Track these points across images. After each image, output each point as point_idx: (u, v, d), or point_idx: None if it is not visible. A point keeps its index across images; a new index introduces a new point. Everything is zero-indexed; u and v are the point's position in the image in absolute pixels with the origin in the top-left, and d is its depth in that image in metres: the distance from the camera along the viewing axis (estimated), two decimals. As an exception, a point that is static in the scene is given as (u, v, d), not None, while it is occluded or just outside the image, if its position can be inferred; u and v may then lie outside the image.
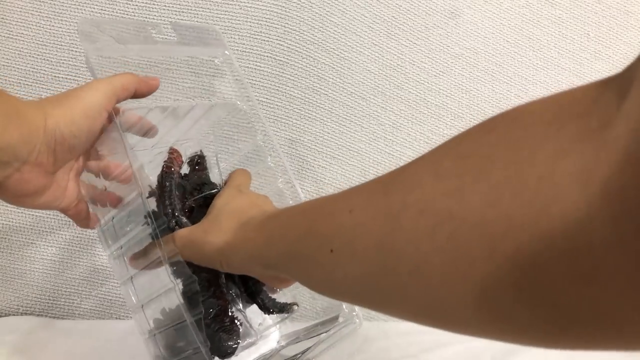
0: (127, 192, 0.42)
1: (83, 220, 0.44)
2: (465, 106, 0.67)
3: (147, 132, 0.46)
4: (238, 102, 0.56)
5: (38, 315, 0.62)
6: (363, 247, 0.25)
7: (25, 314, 0.62)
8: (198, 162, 0.49)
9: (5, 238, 0.62)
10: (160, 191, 0.44)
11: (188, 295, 0.40)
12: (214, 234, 0.39)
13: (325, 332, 0.49)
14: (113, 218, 0.43)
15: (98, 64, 0.43)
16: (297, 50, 0.65)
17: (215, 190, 0.46)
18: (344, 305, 0.53)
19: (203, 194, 0.45)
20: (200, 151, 0.50)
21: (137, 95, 0.42)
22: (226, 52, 0.56)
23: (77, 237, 0.63)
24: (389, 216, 0.24)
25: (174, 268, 0.40)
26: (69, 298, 0.63)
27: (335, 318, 0.52)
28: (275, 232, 0.34)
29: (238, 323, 0.43)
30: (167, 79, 0.60)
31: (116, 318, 0.63)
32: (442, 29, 0.68)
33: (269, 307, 0.46)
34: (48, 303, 0.63)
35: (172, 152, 0.46)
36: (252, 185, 0.50)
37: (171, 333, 0.40)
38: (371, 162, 0.66)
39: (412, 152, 0.66)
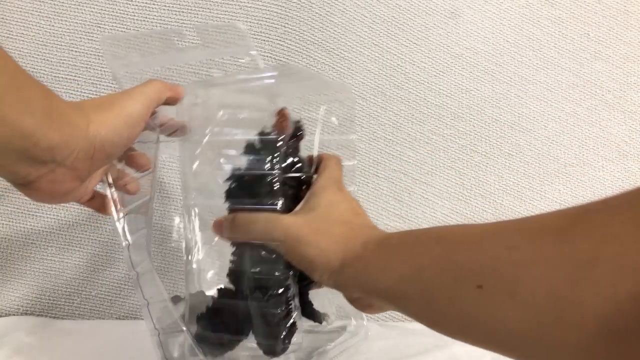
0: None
1: (98, 209, 0.43)
2: (465, 106, 0.67)
3: (179, 130, 0.45)
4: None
5: (38, 315, 0.62)
6: (530, 292, 0.23)
7: (25, 314, 0.62)
8: (298, 132, 0.43)
9: (6, 238, 0.62)
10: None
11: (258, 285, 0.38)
12: (324, 239, 0.35)
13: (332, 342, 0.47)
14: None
15: (125, 80, 0.42)
16: (297, 50, 0.65)
17: (309, 176, 0.42)
18: (352, 314, 0.51)
19: (298, 175, 0.41)
20: (300, 120, 0.44)
21: (167, 102, 0.42)
22: (252, 52, 0.54)
23: (77, 237, 0.63)
24: (572, 265, 0.22)
25: (260, 251, 0.37)
26: (69, 298, 0.63)
27: (344, 328, 0.50)
28: (397, 258, 0.31)
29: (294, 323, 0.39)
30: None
31: (116, 318, 0.63)
32: (442, 29, 0.68)
33: (308, 312, 0.42)
34: (48, 303, 0.63)
35: (283, 115, 0.41)
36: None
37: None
38: (371, 162, 0.66)
39: (412, 152, 0.66)
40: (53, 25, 0.64)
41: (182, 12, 0.64)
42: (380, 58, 0.67)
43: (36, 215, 0.63)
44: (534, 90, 0.67)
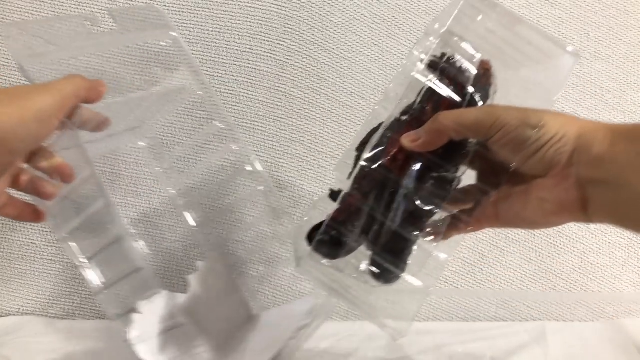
0: None
1: (16, 217, 0.40)
2: (465, 106, 0.67)
3: (100, 125, 0.43)
4: (193, 87, 0.51)
5: (38, 315, 0.62)
6: None
7: (25, 314, 0.62)
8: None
9: (6, 238, 0.62)
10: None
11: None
12: (571, 122, 0.33)
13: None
14: None
15: (35, 71, 0.39)
16: (297, 50, 0.65)
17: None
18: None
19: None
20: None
21: (87, 101, 0.39)
22: (172, 33, 0.50)
23: (77, 237, 0.63)
24: None
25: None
26: (69, 298, 0.63)
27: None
28: None
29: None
30: (109, 74, 0.57)
31: (116, 318, 0.63)
32: (442, 29, 0.68)
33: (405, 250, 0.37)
34: (48, 303, 0.63)
35: (488, 65, 0.38)
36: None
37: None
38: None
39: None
40: (53, 25, 0.63)
41: (182, 12, 0.64)
42: (380, 58, 0.67)
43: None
44: (534, 90, 0.67)
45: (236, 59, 0.65)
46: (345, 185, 0.38)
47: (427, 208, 0.36)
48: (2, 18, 0.63)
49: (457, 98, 0.36)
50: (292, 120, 0.65)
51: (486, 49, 0.39)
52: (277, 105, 0.65)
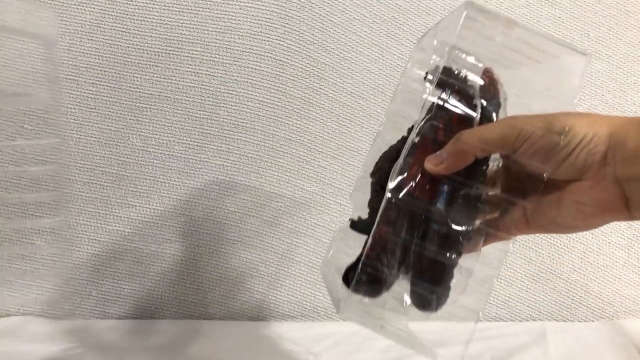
0: None
1: None
2: (465, 106, 0.67)
3: None
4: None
5: (38, 315, 0.62)
6: None
7: (25, 314, 0.62)
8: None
9: (5, 238, 0.62)
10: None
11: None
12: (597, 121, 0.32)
13: None
14: None
15: None
16: (297, 50, 0.65)
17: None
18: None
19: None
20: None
21: None
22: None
23: (77, 237, 0.63)
24: None
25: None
26: (69, 298, 0.63)
27: None
28: None
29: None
30: None
31: (116, 318, 0.63)
32: (442, 29, 0.68)
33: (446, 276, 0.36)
34: (48, 303, 0.63)
35: (490, 73, 0.38)
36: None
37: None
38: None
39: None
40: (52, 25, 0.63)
41: (182, 12, 0.64)
42: (380, 58, 0.67)
43: (36, 216, 0.63)
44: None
45: (236, 59, 0.65)
46: (362, 213, 0.37)
47: (461, 229, 0.35)
48: (2, 18, 0.63)
49: (470, 112, 0.36)
50: (292, 120, 0.65)
51: (492, 58, 0.38)
52: (277, 105, 0.65)
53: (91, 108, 0.64)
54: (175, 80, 0.64)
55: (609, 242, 0.66)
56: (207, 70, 0.64)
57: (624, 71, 0.68)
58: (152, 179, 0.64)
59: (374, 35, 0.67)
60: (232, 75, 0.65)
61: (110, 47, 0.64)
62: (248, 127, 0.65)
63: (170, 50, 0.64)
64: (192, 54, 0.64)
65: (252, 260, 0.64)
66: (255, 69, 0.65)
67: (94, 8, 0.64)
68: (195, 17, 0.64)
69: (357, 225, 0.38)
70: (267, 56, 0.65)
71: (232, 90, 0.65)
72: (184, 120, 0.64)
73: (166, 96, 0.64)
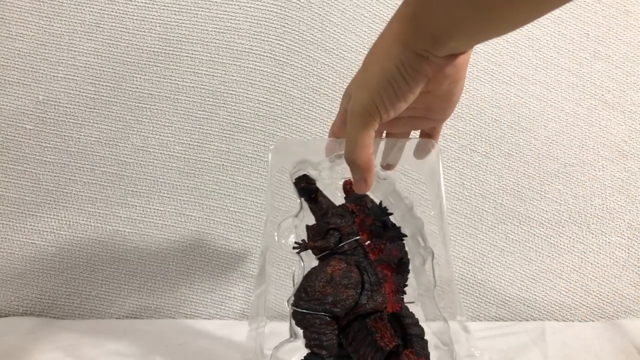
0: None
1: None
2: (465, 106, 0.67)
3: None
4: None
5: (38, 315, 0.62)
6: None
7: (25, 314, 0.62)
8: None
9: (6, 238, 0.62)
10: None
11: None
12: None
13: None
14: None
15: None
16: (296, 50, 0.65)
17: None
18: None
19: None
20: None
21: None
22: None
23: (77, 237, 0.63)
24: None
25: None
26: (69, 298, 0.63)
27: None
28: None
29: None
30: None
31: (116, 318, 0.63)
32: (442, 29, 0.67)
33: None
34: (48, 303, 0.63)
35: (348, 184, 0.48)
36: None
37: None
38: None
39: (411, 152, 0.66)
40: (52, 25, 0.64)
41: (182, 12, 0.64)
42: (380, 58, 0.66)
43: (36, 215, 0.63)
44: (534, 90, 0.67)
45: (236, 59, 0.65)
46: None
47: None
48: (2, 18, 0.63)
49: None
50: (292, 120, 0.65)
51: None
52: (277, 105, 0.65)
53: (91, 108, 0.64)
54: (175, 80, 0.64)
55: (609, 242, 0.66)
56: (207, 70, 0.64)
57: (624, 71, 0.68)
58: (152, 179, 0.64)
59: (374, 35, 0.67)
60: (232, 75, 0.65)
61: (110, 46, 0.64)
62: (248, 127, 0.65)
63: (170, 50, 0.64)
64: (192, 54, 0.64)
65: (253, 260, 0.64)
66: (255, 69, 0.65)
67: (93, 8, 0.64)
68: (195, 17, 0.64)
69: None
70: (266, 56, 0.65)
71: (232, 90, 0.65)
72: (184, 120, 0.64)
73: (166, 96, 0.64)
